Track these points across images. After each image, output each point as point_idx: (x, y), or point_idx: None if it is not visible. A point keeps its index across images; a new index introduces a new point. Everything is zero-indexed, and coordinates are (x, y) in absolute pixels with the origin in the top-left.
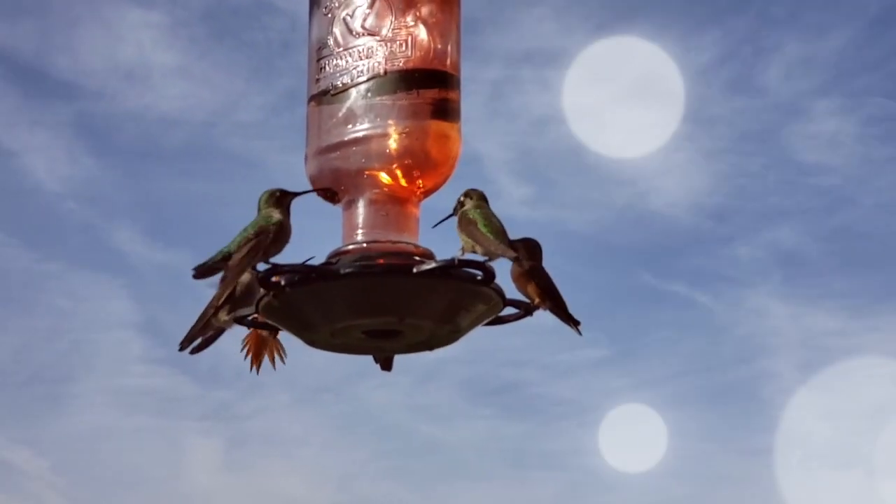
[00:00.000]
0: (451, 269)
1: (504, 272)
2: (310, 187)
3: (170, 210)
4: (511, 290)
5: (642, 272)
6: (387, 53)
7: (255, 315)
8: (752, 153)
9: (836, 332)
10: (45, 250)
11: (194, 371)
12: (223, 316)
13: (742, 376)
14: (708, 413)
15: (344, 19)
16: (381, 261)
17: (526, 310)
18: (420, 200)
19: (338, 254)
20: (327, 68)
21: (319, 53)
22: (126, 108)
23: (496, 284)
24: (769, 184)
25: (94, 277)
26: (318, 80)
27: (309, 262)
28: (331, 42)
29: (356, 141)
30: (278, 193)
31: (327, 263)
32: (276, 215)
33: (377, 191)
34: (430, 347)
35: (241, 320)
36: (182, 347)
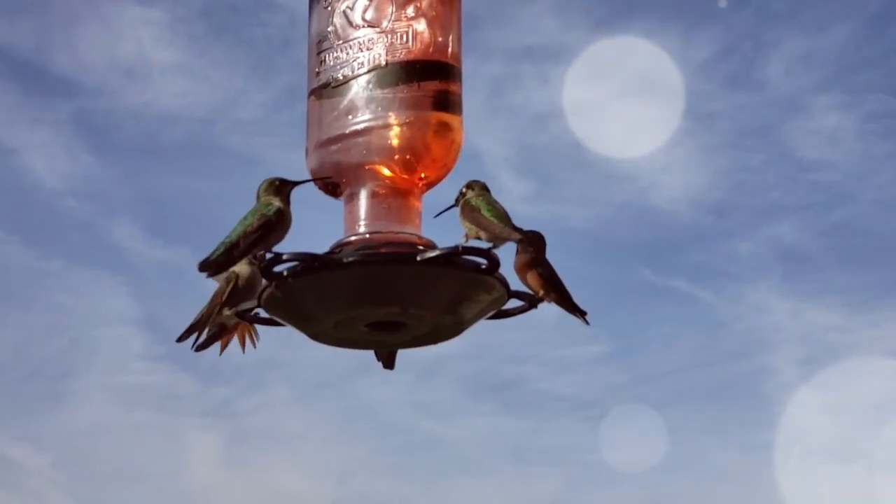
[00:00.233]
0: (455, 256)
1: (508, 266)
2: (311, 178)
3: (170, 207)
4: (516, 284)
5: (643, 268)
6: (387, 45)
7: (258, 308)
8: (752, 149)
9: (837, 328)
10: (45, 247)
11: (195, 367)
12: (225, 311)
13: (742, 372)
14: (708, 408)
15: (344, 11)
16: (385, 250)
17: (531, 302)
18: (422, 193)
19: (340, 245)
20: (328, 61)
21: (320, 46)
22: (126, 106)
23: (500, 274)
24: (769, 179)
25: (94, 274)
26: (318, 74)
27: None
28: (331, 35)
29: (357, 133)
30: (277, 182)
31: (330, 253)
32: (276, 203)
33: (379, 183)
34: (435, 341)
35: (243, 315)
36: (181, 339)
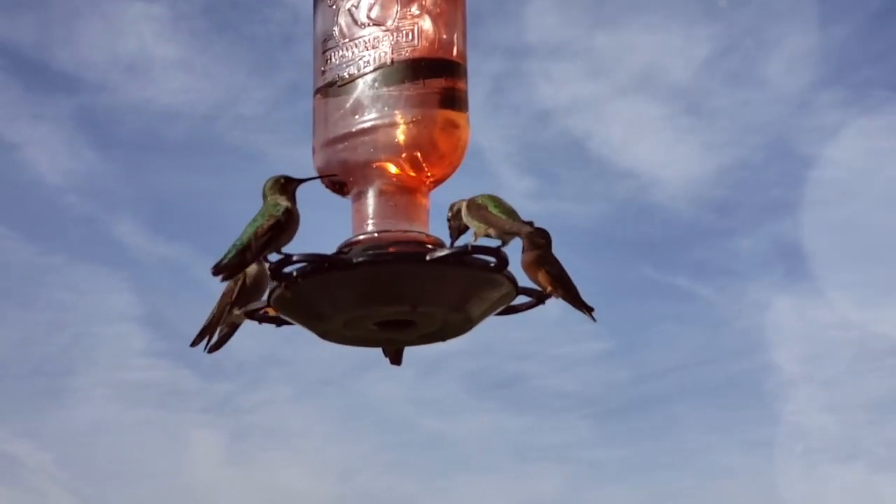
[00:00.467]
0: (465, 255)
1: (515, 262)
2: (318, 176)
3: (171, 203)
4: (523, 280)
5: (644, 265)
6: (393, 43)
7: (267, 307)
8: (754, 146)
9: (838, 326)
10: (46, 243)
11: (196, 364)
12: (235, 311)
13: (744, 369)
14: (709, 406)
15: (349, 10)
16: (393, 249)
17: (538, 298)
18: (429, 190)
19: (349, 244)
20: (333, 59)
21: (325, 45)
22: (127, 102)
23: (509, 272)
24: (771, 176)
25: (96, 270)
26: (324, 72)
27: None
28: (336, 33)
29: (364, 132)
30: (283, 180)
31: (339, 253)
32: (283, 202)
33: (386, 181)
34: (443, 338)
35: (252, 314)
36: (195, 343)
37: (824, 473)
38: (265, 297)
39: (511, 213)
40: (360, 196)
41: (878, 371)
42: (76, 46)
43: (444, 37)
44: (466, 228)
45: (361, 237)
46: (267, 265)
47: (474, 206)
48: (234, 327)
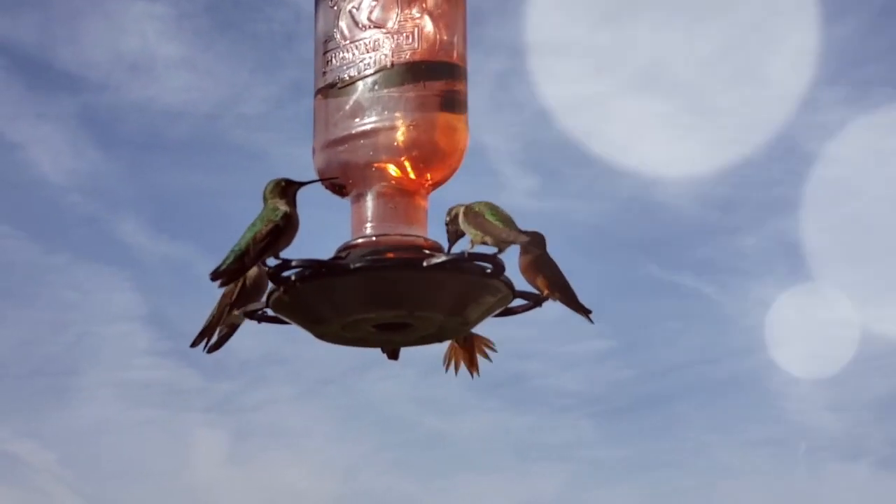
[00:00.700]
0: (462, 262)
1: (512, 264)
2: (316, 178)
3: (174, 202)
4: (520, 282)
5: (648, 263)
6: (393, 46)
7: (265, 309)
8: (757, 143)
9: (842, 323)
10: (49, 243)
11: (199, 363)
12: (235, 311)
13: (747, 367)
14: (713, 404)
15: (350, 12)
16: (391, 255)
17: (535, 301)
18: (428, 193)
19: (347, 248)
20: (334, 61)
21: (326, 46)
22: (130, 100)
23: (506, 277)
24: (775, 174)
25: (99, 270)
26: (324, 73)
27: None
28: (337, 35)
29: (364, 134)
30: (283, 183)
31: (337, 258)
32: (283, 206)
33: (385, 184)
34: (441, 339)
35: (251, 315)
36: (195, 344)
37: (828, 472)
38: (264, 298)
39: (508, 221)
40: (360, 198)
41: (883, 369)
42: (79, 45)
43: (445, 39)
44: (464, 233)
45: (360, 241)
46: (266, 269)
47: (471, 213)
48: (233, 328)
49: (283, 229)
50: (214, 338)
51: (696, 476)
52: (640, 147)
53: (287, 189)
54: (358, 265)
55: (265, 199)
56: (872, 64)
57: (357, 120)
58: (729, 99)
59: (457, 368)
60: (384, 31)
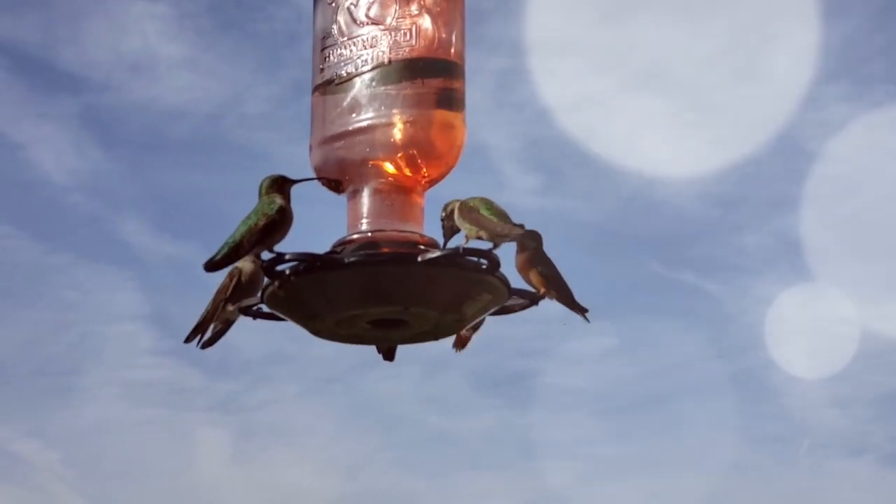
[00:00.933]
0: (457, 257)
1: (509, 264)
2: (314, 177)
3: (176, 202)
4: (517, 282)
5: (650, 261)
6: (391, 43)
7: (260, 305)
8: (759, 141)
9: (844, 321)
10: (52, 243)
11: (202, 363)
12: (229, 307)
13: (750, 364)
14: (715, 401)
15: (348, 9)
16: (386, 249)
17: (532, 299)
18: (425, 190)
19: (342, 243)
20: (331, 58)
21: (324, 43)
22: (132, 100)
23: (501, 274)
24: (776, 172)
25: (101, 269)
26: (322, 70)
27: None
28: (335, 32)
29: (361, 130)
30: (280, 179)
31: (332, 252)
32: (279, 200)
33: (382, 180)
34: (436, 337)
35: (246, 311)
36: (189, 339)
37: (831, 469)
38: (259, 294)
39: (503, 215)
40: (356, 194)
41: (885, 367)
42: (80, 46)
43: (443, 36)
44: (459, 229)
45: (355, 236)
46: (260, 263)
47: (466, 208)
48: (228, 324)
49: (279, 223)
50: (209, 334)
51: (699, 473)
52: (641, 145)
53: (283, 185)
54: (352, 259)
55: (260, 195)
56: (874, 61)
57: (354, 116)
58: (730, 97)
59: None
60: (382, 27)
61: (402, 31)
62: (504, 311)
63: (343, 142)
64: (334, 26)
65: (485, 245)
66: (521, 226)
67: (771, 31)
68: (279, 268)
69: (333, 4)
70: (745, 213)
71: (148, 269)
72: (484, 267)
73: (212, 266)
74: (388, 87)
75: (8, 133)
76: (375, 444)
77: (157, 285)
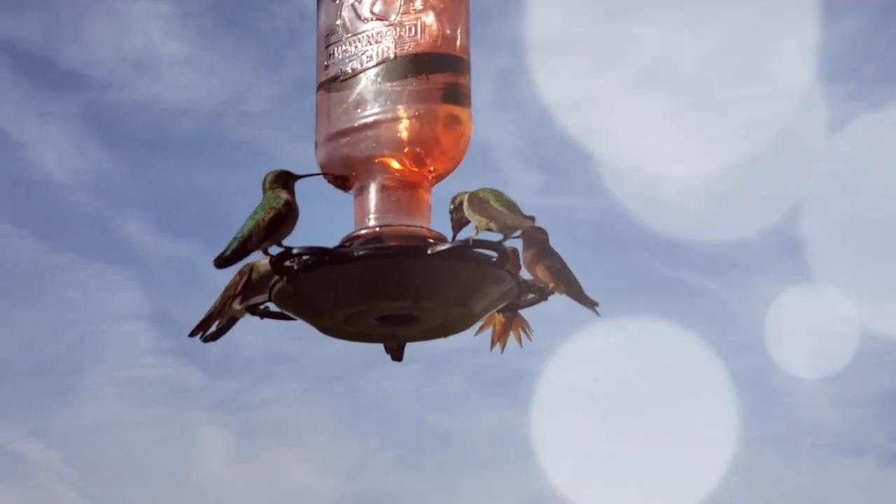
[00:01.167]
0: (467, 249)
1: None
2: (318, 172)
3: (178, 201)
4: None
5: (652, 260)
6: (396, 38)
7: (268, 303)
8: (761, 140)
9: (846, 320)
10: (54, 242)
11: (204, 361)
12: (236, 304)
13: (752, 364)
14: (717, 401)
15: (352, 4)
16: (395, 243)
17: (541, 294)
18: (432, 185)
19: (350, 238)
20: (336, 54)
21: (328, 39)
22: (134, 99)
23: (511, 267)
24: (778, 171)
25: (103, 269)
26: (327, 67)
27: None
28: (339, 28)
29: (366, 126)
30: (283, 174)
31: (340, 247)
32: (284, 195)
33: (388, 176)
34: (445, 333)
35: (253, 309)
36: (193, 334)
37: (832, 468)
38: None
39: (512, 206)
40: (363, 191)
41: (887, 366)
42: (83, 44)
43: (448, 31)
44: (468, 221)
45: (363, 232)
46: (268, 259)
47: (475, 200)
48: (232, 320)
49: (285, 216)
50: (213, 329)
51: (701, 472)
52: (643, 144)
53: (287, 180)
54: (362, 253)
55: (264, 190)
56: (876, 60)
57: (359, 112)
58: (732, 95)
59: (497, 343)
60: (386, 23)
61: (407, 27)
62: (513, 306)
63: (349, 138)
64: (338, 23)
65: (495, 237)
66: (532, 217)
67: (773, 30)
68: (287, 263)
69: (337, 1)
70: (747, 211)
71: (150, 269)
72: (494, 260)
73: (222, 262)
74: (394, 83)
75: (10, 132)
76: (376, 444)
77: (158, 284)
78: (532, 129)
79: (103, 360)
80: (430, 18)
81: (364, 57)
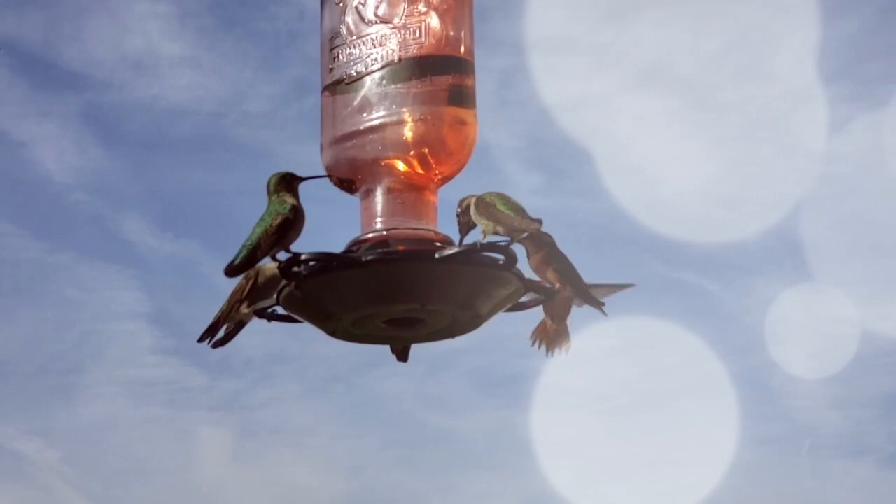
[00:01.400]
0: (474, 253)
1: (524, 261)
2: (323, 174)
3: (179, 201)
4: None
5: (651, 260)
6: (400, 41)
7: (276, 306)
8: (761, 140)
9: (846, 321)
10: (54, 241)
11: (204, 361)
12: (244, 308)
13: (752, 365)
14: (717, 402)
15: (356, 8)
16: (402, 247)
17: (547, 295)
18: (438, 187)
19: (358, 242)
20: (341, 57)
21: (332, 43)
22: (134, 99)
23: (517, 269)
24: (779, 171)
25: (104, 268)
26: (331, 70)
27: None
28: (343, 31)
29: (372, 129)
30: (288, 177)
31: (348, 251)
32: (290, 199)
33: (394, 179)
34: (452, 335)
35: (261, 313)
36: (202, 339)
37: (832, 470)
38: (275, 296)
39: (519, 210)
40: (369, 194)
41: (886, 367)
42: (83, 44)
43: (452, 33)
44: (475, 224)
45: (370, 235)
46: (274, 263)
47: (482, 203)
48: (240, 324)
49: (293, 221)
50: (221, 333)
51: (700, 473)
52: (644, 144)
53: (291, 182)
54: (369, 258)
55: (269, 192)
56: (876, 61)
57: (364, 115)
58: (733, 96)
59: (548, 349)
60: (391, 26)
61: (412, 29)
62: (519, 307)
63: (354, 141)
64: (343, 26)
65: (502, 240)
66: (539, 220)
67: (773, 30)
68: (295, 269)
69: (341, 4)
70: (747, 212)
71: (150, 268)
72: (501, 262)
73: (232, 271)
74: (399, 86)
75: (10, 131)
76: (377, 444)
77: (159, 284)
78: (532, 129)
79: (103, 359)
80: (434, 21)
81: (369, 60)
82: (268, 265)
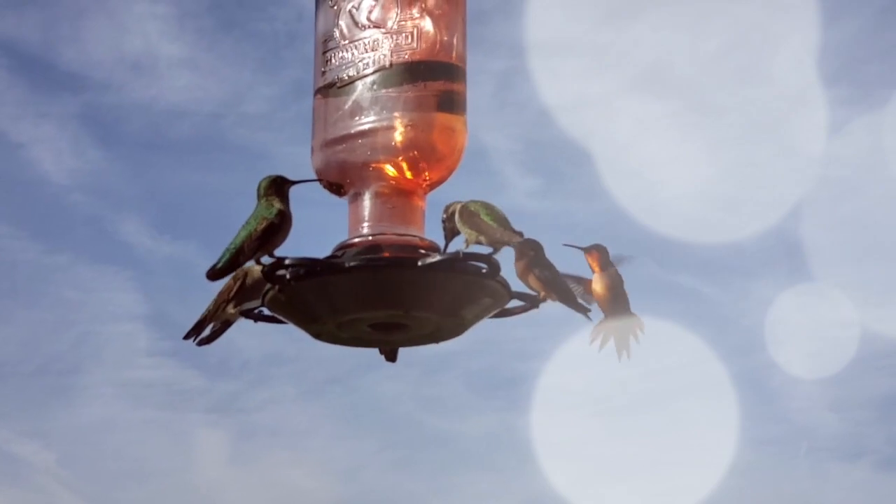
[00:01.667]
0: (457, 262)
1: (509, 266)
2: (313, 178)
3: (177, 202)
4: (517, 285)
5: (648, 263)
6: (392, 46)
7: (261, 308)
8: (760, 143)
9: (843, 323)
10: (52, 242)
11: (202, 363)
12: (230, 308)
13: (750, 366)
14: (714, 404)
15: (350, 12)
16: (387, 254)
17: (532, 302)
18: (426, 193)
19: (344, 247)
20: (333, 61)
21: (325, 46)
22: (133, 100)
23: (501, 277)
24: (777, 173)
25: (102, 269)
26: (324, 73)
27: None
28: (337, 34)
29: (362, 133)
30: (278, 180)
31: (333, 256)
32: (277, 204)
33: (383, 183)
34: (436, 340)
35: (247, 313)
36: (188, 337)
37: (829, 472)
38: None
39: (503, 221)
40: (357, 197)
41: (884, 369)
42: (81, 45)
43: (444, 39)
44: (460, 232)
45: (356, 240)
46: (260, 268)
47: (466, 212)
48: (227, 324)
49: (278, 226)
50: (206, 332)
51: (698, 474)
52: (642, 146)
53: (281, 186)
54: (353, 264)
55: (259, 196)
56: (874, 63)
57: (356, 119)
58: (732, 97)
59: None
60: (383, 30)
61: (404, 34)
62: (504, 313)
63: (344, 145)
64: (336, 29)
65: (485, 250)
66: (520, 233)
67: (772, 32)
68: (280, 272)
69: (335, 7)
70: (745, 214)
71: (148, 269)
72: (484, 271)
73: (214, 274)
74: (390, 90)
75: (8, 132)
76: (375, 446)
77: (157, 285)
78: (530, 131)
79: (101, 361)
80: (427, 26)
81: (361, 64)
82: (256, 267)
